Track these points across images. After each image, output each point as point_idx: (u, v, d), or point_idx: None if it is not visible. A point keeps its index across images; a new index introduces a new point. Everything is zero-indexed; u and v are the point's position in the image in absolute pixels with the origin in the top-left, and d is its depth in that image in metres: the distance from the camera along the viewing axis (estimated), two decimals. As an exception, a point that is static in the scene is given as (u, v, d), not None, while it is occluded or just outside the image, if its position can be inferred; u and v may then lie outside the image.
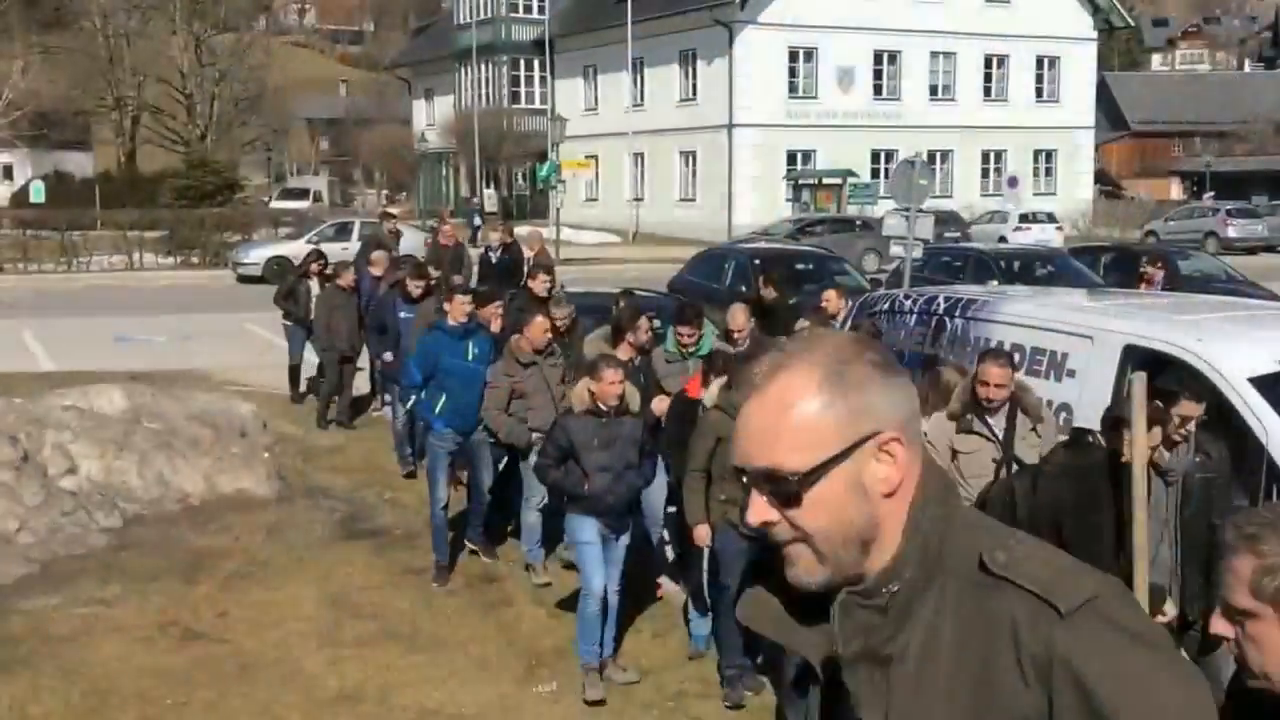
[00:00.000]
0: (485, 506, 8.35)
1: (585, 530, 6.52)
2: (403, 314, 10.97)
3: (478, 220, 35.23)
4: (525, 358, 7.96)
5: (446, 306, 8.23)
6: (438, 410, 8.02)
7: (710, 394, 6.49)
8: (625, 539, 6.73)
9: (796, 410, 1.51)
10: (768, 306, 10.64)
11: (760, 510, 1.54)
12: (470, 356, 8.15)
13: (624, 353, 7.74)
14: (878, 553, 1.53)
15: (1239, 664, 1.81)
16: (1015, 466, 5.73)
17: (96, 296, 25.51)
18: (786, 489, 1.51)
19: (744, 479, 1.55)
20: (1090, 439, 5.03)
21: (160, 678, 6.45)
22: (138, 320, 20.79)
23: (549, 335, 8.01)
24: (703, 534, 6.39)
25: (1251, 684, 1.80)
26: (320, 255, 13.67)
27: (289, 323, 13.33)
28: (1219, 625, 1.83)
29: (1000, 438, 5.85)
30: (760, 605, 1.64)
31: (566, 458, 6.54)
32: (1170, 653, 1.49)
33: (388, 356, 11.34)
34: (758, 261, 16.47)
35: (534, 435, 7.93)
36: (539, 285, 10.45)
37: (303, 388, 13.62)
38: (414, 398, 8.21)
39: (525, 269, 14.22)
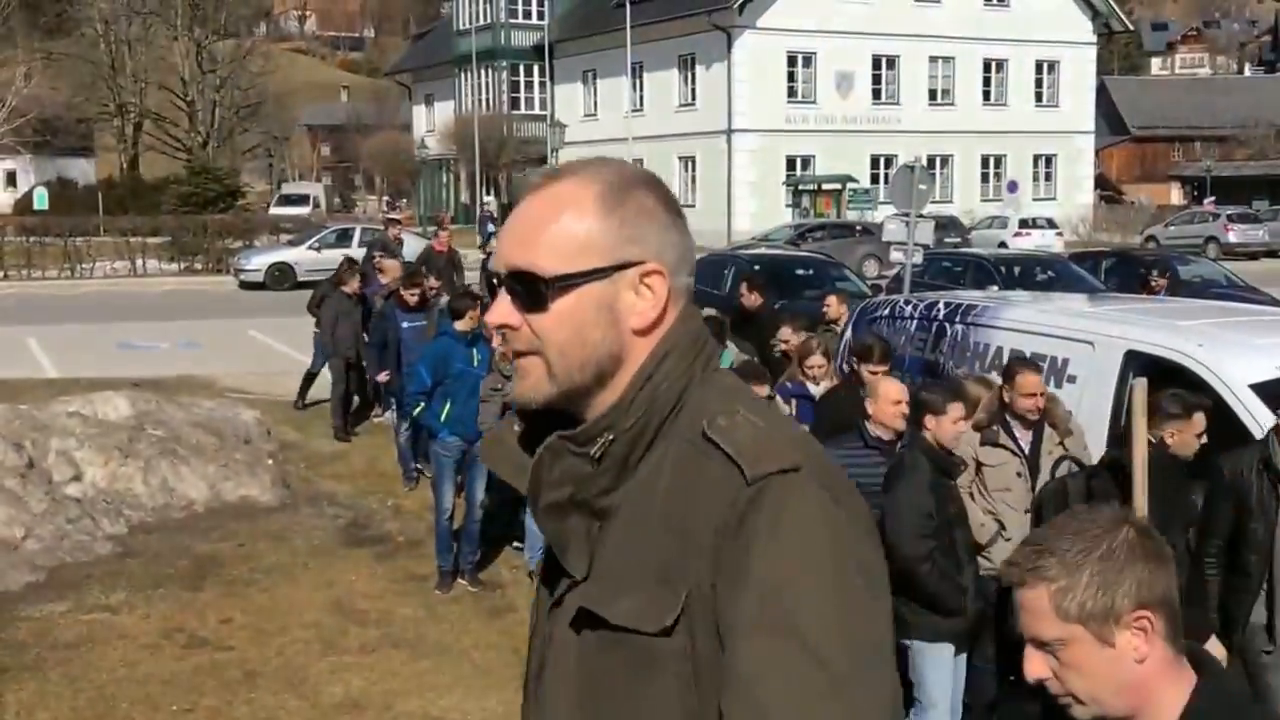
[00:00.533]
0: (479, 524, 8.28)
1: None
2: (405, 324, 10.97)
3: (491, 227, 34.98)
4: (506, 369, 7.96)
5: (471, 313, 8.22)
6: (443, 418, 8.03)
7: None
8: None
9: (566, 217, 1.46)
10: (749, 313, 10.40)
11: (504, 311, 1.49)
12: (476, 362, 8.18)
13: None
14: (610, 392, 1.48)
15: (1068, 699, 1.74)
16: (1047, 477, 5.62)
17: (100, 303, 25.54)
18: (536, 290, 1.46)
19: (496, 282, 1.51)
20: None
21: (165, 684, 6.47)
22: (141, 326, 20.83)
23: None
24: None
25: (1079, 714, 1.74)
26: (353, 263, 13.20)
27: (319, 330, 13.22)
28: (1034, 667, 1.75)
29: (1025, 451, 5.76)
30: (499, 445, 1.59)
31: None
32: (843, 559, 1.36)
33: (382, 377, 11.29)
34: (757, 267, 16.49)
35: None
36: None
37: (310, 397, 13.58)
38: (420, 405, 8.20)
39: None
